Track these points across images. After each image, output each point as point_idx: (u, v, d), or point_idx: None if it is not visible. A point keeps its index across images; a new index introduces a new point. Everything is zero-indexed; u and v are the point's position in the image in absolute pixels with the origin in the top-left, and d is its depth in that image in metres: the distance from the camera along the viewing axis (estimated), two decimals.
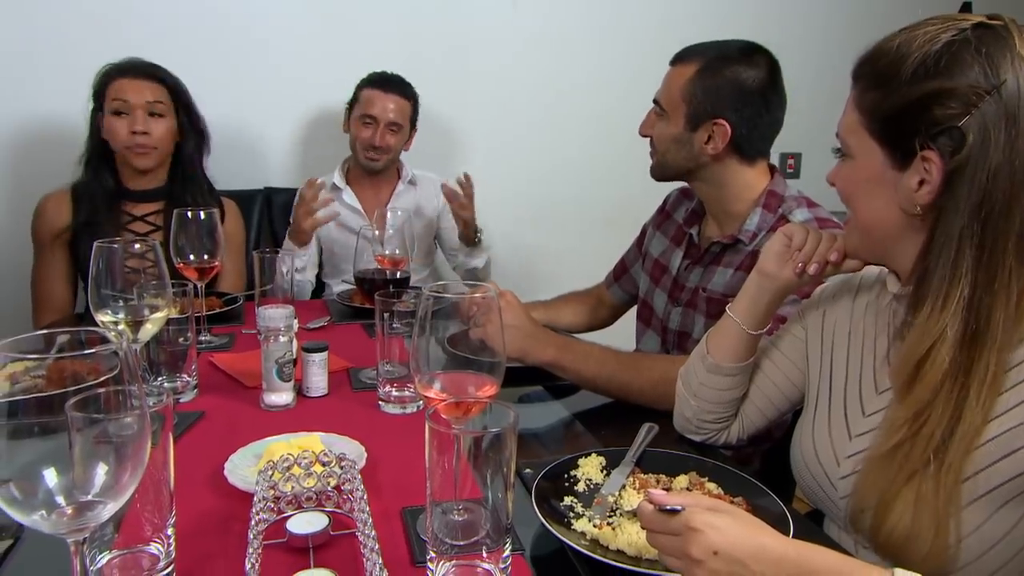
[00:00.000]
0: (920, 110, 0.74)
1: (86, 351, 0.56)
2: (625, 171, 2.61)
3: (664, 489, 0.85)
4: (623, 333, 1.67)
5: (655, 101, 1.37)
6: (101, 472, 0.56)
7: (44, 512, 0.54)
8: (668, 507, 0.67)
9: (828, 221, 1.26)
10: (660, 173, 1.40)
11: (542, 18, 2.50)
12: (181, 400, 1.16)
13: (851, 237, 0.88)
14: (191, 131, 1.84)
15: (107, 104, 1.74)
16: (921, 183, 0.75)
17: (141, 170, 1.79)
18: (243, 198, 2.23)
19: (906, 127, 0.75)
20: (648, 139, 1.39)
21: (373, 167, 2.13)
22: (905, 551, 0.75)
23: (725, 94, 1.27)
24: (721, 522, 0.64)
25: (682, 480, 0.90)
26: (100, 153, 1.78)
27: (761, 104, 1.29)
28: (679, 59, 1.34)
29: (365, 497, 0.78)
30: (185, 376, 1.18)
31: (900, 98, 0.75)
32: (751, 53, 1.29)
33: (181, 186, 1.83)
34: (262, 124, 2.36)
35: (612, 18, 2.57)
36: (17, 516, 0.53)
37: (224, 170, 2.30)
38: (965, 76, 0.71)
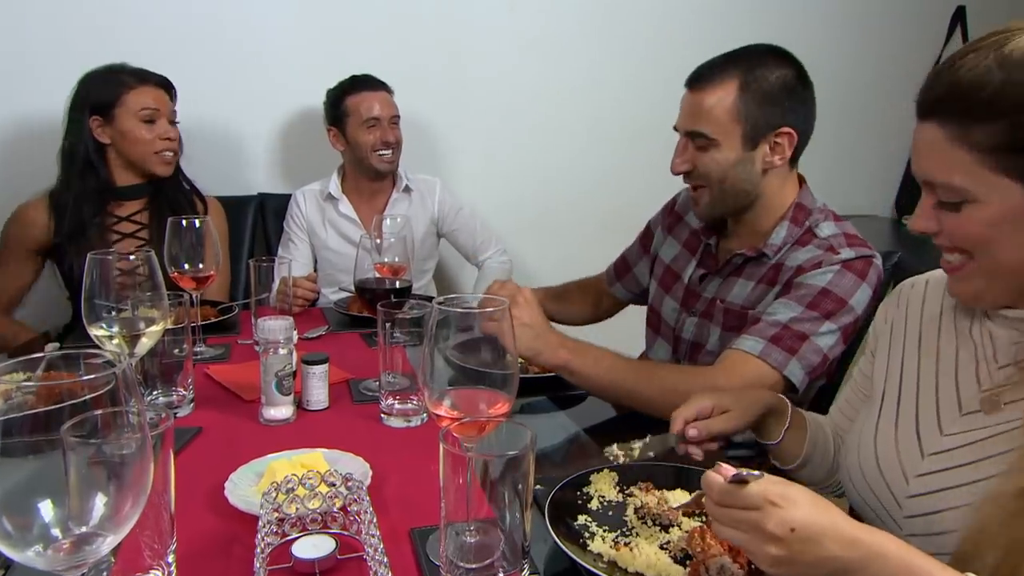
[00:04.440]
0: None
1: (84, 376, 0.54)
2: (622, 176, 2.60)
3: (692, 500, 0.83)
4: (630, 338, 1.65)
5: (694, 134, 1.23)
6: (100, 502, 0.53)
7: (39, 547, 0.51)
8: (745, 473, 0.64)
9: (857, 239, 1.23)
10: (720, 210, 1.28)
11: (539, 23, 2.47)
12: (178, 415, 1.12)
13: (973, 282, 0.77)
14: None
15: (127, 110, 1.76)
16: None
17: (161, 175, 1.82)
18: (236, 204, 2.20)
19: None
20: (682, 176, 1.29)
21: (390, 168, 2.11)
22: None
23: (779, 99, 1.20)
24: (798, 496, 0.63)
25: (680, 495, 0.87)
26: (94, 156, 1.78)
27: (807, 98, 1.24)
28: (704, 81, 1.22)
29: (374, 520, 0.75)
30: (181, 390, 1.15)
31: None
32: (778, 53, 1.24)
33: (164, 183, 1.85)
34: (256, 131, 2.32)
35: (608, 23, 2.54)
36: (10, 553, 0.50)
37: (217, 176, 2.26)
38: None
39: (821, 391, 1.33)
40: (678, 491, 0.86)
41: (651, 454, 0.91)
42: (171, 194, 1.85)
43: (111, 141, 1.78)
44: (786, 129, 1.21)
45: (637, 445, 0.91)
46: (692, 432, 0.92)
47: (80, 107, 1.77)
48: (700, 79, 1.23)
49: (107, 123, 1.77)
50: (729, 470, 0.66)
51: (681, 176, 1.30)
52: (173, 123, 1.83)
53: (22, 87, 2.07)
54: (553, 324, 1.22)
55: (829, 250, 1.20)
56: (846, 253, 1.19)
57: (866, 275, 1.18)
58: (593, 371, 1.16)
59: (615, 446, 0.91)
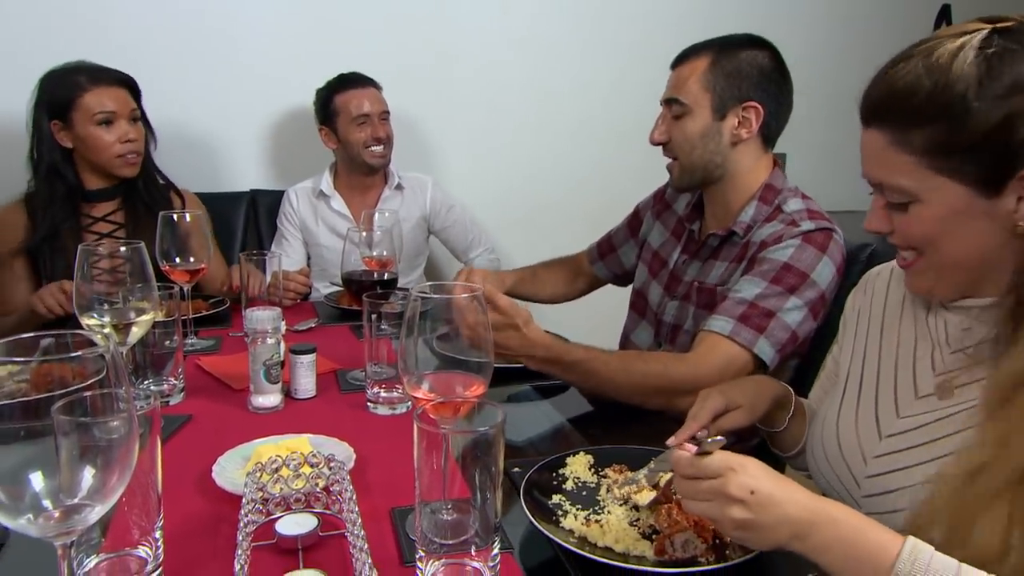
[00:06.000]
0: (1006, 133, 0.69)
1: (72, 354, 0.56)
2: (610, 174, 2.63)
3: (653, 486, 0.86)
4: (610, 320, 1.68)
5: (670, 102, 1.32)
6: (88, 475, 0.56)
7: (31, 516, 0.54)
8: (709, 442, 0.69)
9: (818, 214, 1.27)
10: (688, 180, 1.35)
11: (528, 23, 2.50)
12: (169, 403, 1.15)
13: (926, 277, 0.81)
14: (148, 129, 1.83)
15: (83, 114, 1.69)
16: (1020, 199, 0.72)
17: (127, 177, 1.77)
18: (228, 201, 2.23)
19: (993, 154, 0.71)
20: (661, 147, 1.35)
21: (382, 163, 2.13)
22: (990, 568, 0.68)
23: (748, 75, 1.27)
24: (753, 464, 0.67)
25: (648, 494, 0.89)
26: (59, 160, 1.73)
27: (781, 84, 1.30)
28: (683, 58, 1.33)
29: (354, 498, 0.78)
30: (172, 379, 1.18)
31: (975, 127, 0.70)
32: (756, 41, 1.31)
33: (136, 181, 1.80)
34: (247, 127, 2.34)
35: (598, 22, 2.57)
36: (4, 520, 0.53)
37: (209, 173, 2.29)
38: None
39: (798, 372, 1.36)
40: (645, 492, 0.87)
41: (661, 474, 0.87)
42: (145, 192, 1.80)
43: (73, 146, 1.73)
44: (753, 103, 1.28)
45: (642, 474, 0.87)
46: (702, 434, 0.92)
47: (40, 111, 1.72)
48: (680, 57, 1.35)
49: (67, 127, 1.71)
50: (692, 447, 0.70)
51: (661, 153, 1.37)
52: (136, 121, 1.76)
53: (2, 85, 2.06)
54: (526, 303, 1.24)
55: (791, 224, 1.25)
56: (806, 225, 1.23)
57: (827, 248, 1.22)
58: (569, 378, 1.19)
59: (616, 489, 0.87)
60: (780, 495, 0.66)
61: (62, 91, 1.70)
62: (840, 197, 2.75)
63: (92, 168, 1.76)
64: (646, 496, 0.85)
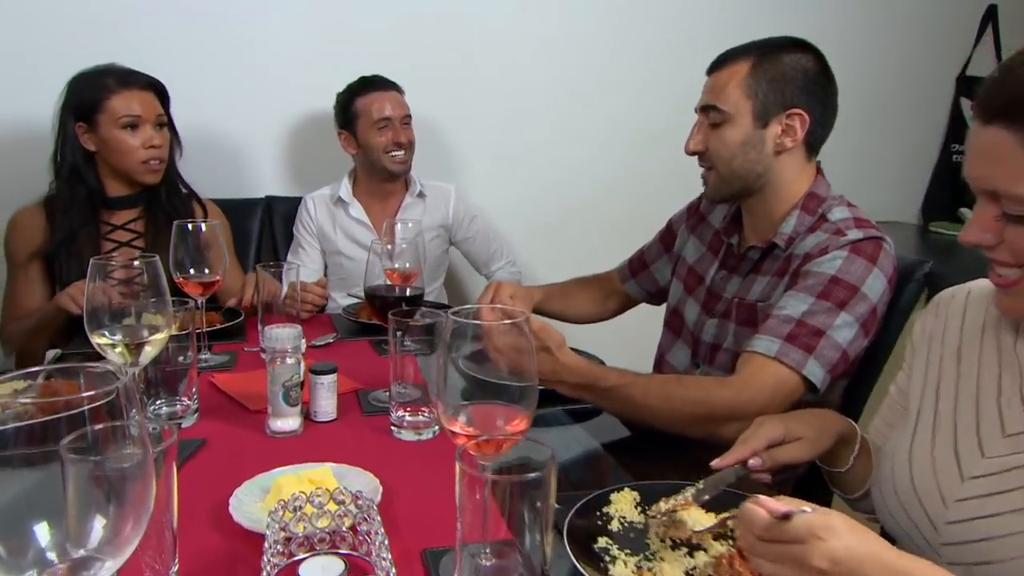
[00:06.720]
0: None
1: (85, 393, 0.51)
2: (637, 179, 2.57)
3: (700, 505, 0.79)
4: (643, 338, 1.61)
5: (707, 109, 1.25)
6: (99, 525, 0.50)
7: (34, 572, 0.48)
8: (798, 511, 0.62)
9: (866, 222, 1.20)
10: (726, 191, 1.27)
11: (551, 23, 2.44)
12: (181, 426, 1.09)
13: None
14: (174, 136, 1.80)
15: (109, 117, 1.67)
16: None
17: (150, 184, 1.73)
18: (243, 208, 2.18)
19: None
20: (697, 156, 1.29)
21: (403, 169, 2.07)
22: None
23: (792, 80, 1.20)
24: (839, 526, 0.61)
25: (697, 514, 0.83)
26: (81, 163, 1.70)
27: (827, 88, 1.23)
28: (721, 63, 1.25)
29: (386, 543, 0.72)
30: (185, 399, 1.12)
31: None
32: (800, 43, 1.24)
33: (159, 189, 1.76)
34: (263, 133, 2.30)
35: (622, 24, 2.51)
36: None
37: (223, 179, 2.25)
38: None
39: (847, 394, 1.29)
40: (694, 510, 0.81)
41: (707, 498, 0.82)
42: (167, 201, 1.77)
43: (97, 149, 1.70)
44: (798, 110, 1.20)
45: (689, 492, 0.82)
46: (755, 462, 0.86)
47: (66, 112, 1.69)
48: (718, 62, 1.27)
49: (91, 130, 1.68)
50: (769, 503, 0.63)
51: (696, 159, 1.30)
52: (162, 127, 1.73)
53: (21, 87, 2.03)
54: (556, 322, 1.18)
55: (836, 233, 1.17)
56: (853, 234, 1.16)
57: (876, 259, 1.15)
58: (610, 407, 1.14)
59: (661, 502, 0.81)
60: (863, 560, 0.60)
61: (89, 93, 1.68)
62: (876, 207, 2.66)
63: (114, 173, 1.73)
64: (694, 516, 0.79)
